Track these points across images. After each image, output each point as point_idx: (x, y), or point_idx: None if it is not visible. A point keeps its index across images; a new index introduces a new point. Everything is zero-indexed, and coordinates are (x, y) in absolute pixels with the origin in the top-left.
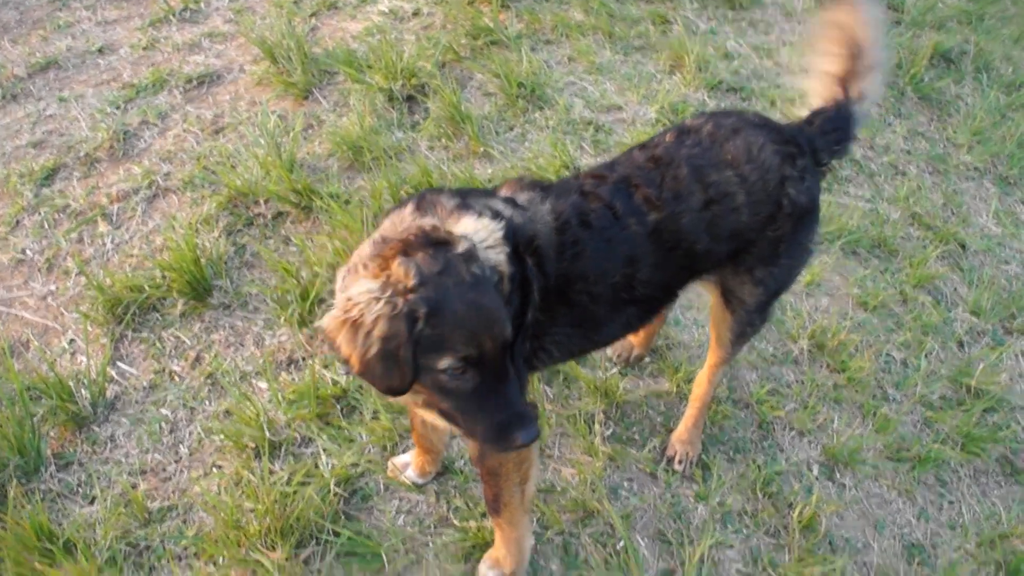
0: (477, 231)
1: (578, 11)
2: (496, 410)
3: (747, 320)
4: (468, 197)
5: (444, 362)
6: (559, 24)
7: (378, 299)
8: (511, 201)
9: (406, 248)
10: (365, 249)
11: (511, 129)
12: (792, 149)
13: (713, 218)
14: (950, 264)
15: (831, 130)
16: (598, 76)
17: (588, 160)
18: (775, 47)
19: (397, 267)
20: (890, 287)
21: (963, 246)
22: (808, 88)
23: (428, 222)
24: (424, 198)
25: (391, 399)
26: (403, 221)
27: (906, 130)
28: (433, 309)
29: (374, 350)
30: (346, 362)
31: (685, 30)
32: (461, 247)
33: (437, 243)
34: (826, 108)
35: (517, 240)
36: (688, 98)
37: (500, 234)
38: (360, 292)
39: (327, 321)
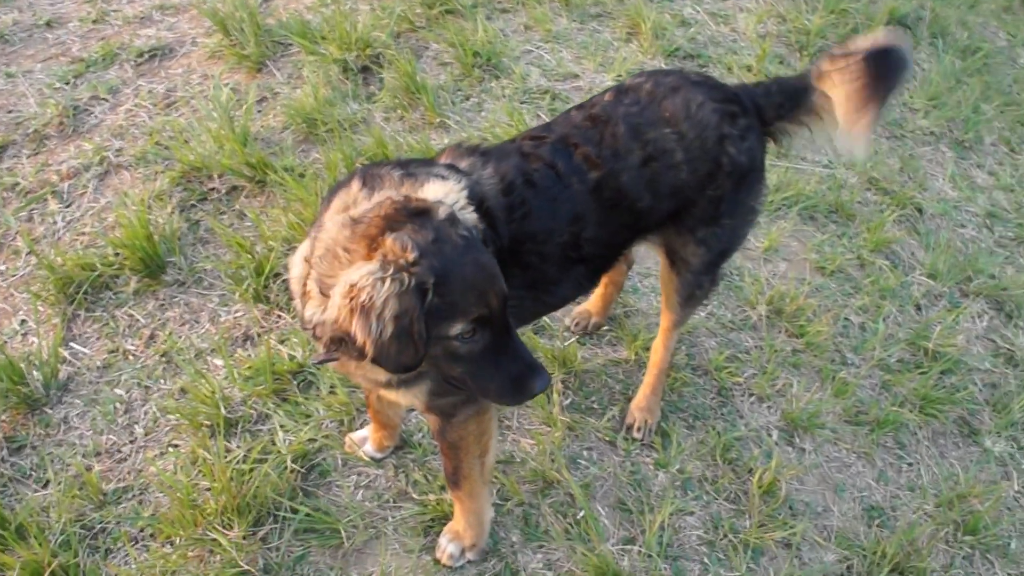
0: (447, 194)
1: None
2: (508, 364)
3: (694, 282)
4: (410, 166)
5: (457, 328)
6: None
7: (383, 279)
8: (452, 168)
9: (389, 223)
10: (336, 233)
11: (467, 99)
12: (733, 108)
13: (652, 175)
14: (907, 228)
15: (778, 92)
16: (554, 44)
17: None
18: (731, 13)
19: (392, 243)
20: (847, 252)
21: (920, 210)
22: None
23: (395, 194)
24: (368, 173)
25: (380, 379)
26: (354, 199)
27: None
28: (440, 278)
29: (389, 331)
30: (360, 351)
31: None
32: (442, 212)
33: (418, 213)
34: (790, 78)
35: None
36: (645, 65)
37: (465, 194)
38: (362, 275)
39: (332, 313)
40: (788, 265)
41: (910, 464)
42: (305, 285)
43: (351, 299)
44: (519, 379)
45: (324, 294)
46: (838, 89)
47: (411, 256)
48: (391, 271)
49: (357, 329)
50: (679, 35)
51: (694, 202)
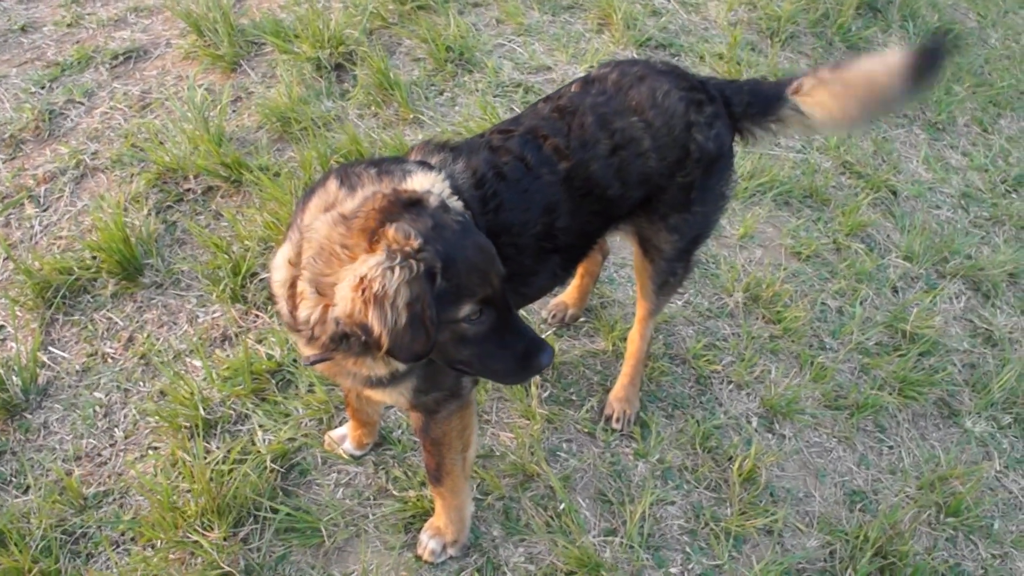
0: (433, 184)
1: None
2: (513, 342)
3: (668, 269)
4: (383, 164)
5: (465, 309)
6: None
7: (392, 268)
8: (424, 164)
9: (386, 215)
10: (329, 232)
11: (441, 94)
12: (699, 95)
13: (621, 164)
14: (882, 211)
15: (749, 93)
16: (527, 37)
17: None
18: (702, 1)
19: (394, 233)
20: (823, 236)
21: (894, 193)
22: None
23: (381, 188)
24: (344, 172)
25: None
26: (335, 198)
27: None
28: (447, 262)
29: (403, 319)
30: (376, 343)
31: None
32: (433, 201)
33: (411, 203)
34: (764, 83)
35: None
36: (617, 56)
37: (448, 183)
38: (370, 267)
39: (344, 308)
40: (764, 251)
41: (891, 447)
42: (294, 287)
43: (363, 291)
44: (524, 356)
45: (321, 293)
46: (820, 108)
47: (415, 243)
48: (399, 259)
49: (373, 320)
50: (650, 25)
51: (664, 189)
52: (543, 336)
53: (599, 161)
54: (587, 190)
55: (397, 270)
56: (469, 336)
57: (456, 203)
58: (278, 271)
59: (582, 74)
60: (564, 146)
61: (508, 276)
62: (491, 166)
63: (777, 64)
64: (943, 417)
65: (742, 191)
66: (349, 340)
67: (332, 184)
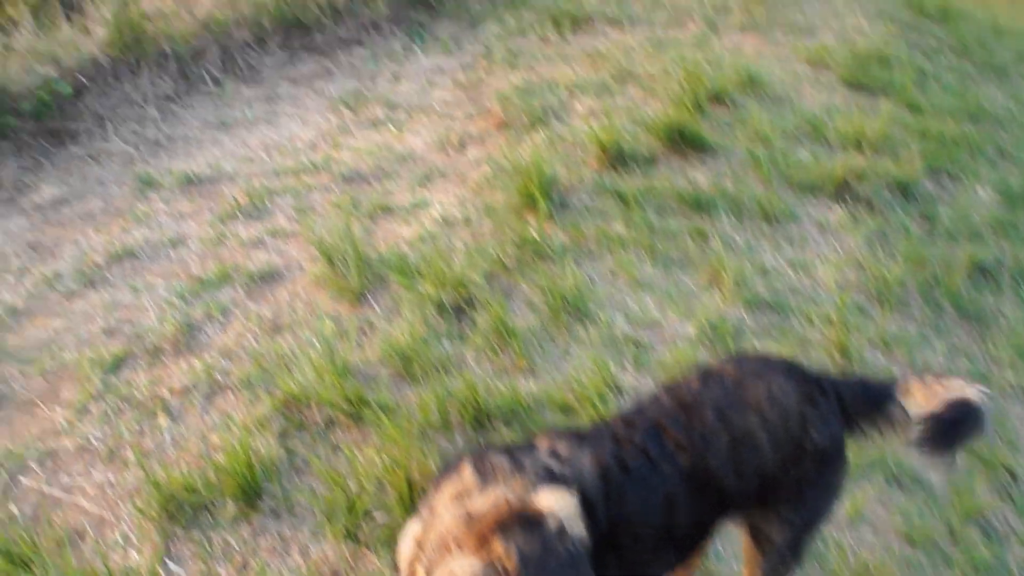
0: (561, 505)
1: (620, 224)
2: None
3: (778, 559)
4: (515, 454)
5: None
6: (601, 237)
7: None
8: (555, 455)
9: (501, 527)
10: (451, 525)
11: (554, 342)
12: (814, 391)
13: (739, 458)
14: (999, 494)
15: (860, 389)
16: (639, 291)
17: (629, 379)
18: (811, 261)
19: (500, 548)
20: (936, 520)
21: (1012, 474)
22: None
23: (511, 492)
24: (479, 460)
25: None
26: (467, 489)
27: (946, 347)
28: None
29: None
30: None
31: (723, 244)
32: (553, 524)
33: (530, 521)
34: (873, 380)
35: None
36: (726, 314)
37: (577, 507)
38: (463, 569)
39: None
40: (874, 533)
41: None
42: (414, 568)
43: None
44: None
45: None
46: (917, 412)
47: (512, 565)
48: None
49: None
50: (759, 284)
51: (778, 482)
52: None
53: (718, 456)
54: (705, 483)
55: None
56: None
57: (578, 529)
58: (405, 547)
59: (691, 330)
60: (684, 440)
61: (625, 567)
62: (615, 458)
63: (886, 329)
64: None
65: (853, 467)
66: None
67: (467, 471)
